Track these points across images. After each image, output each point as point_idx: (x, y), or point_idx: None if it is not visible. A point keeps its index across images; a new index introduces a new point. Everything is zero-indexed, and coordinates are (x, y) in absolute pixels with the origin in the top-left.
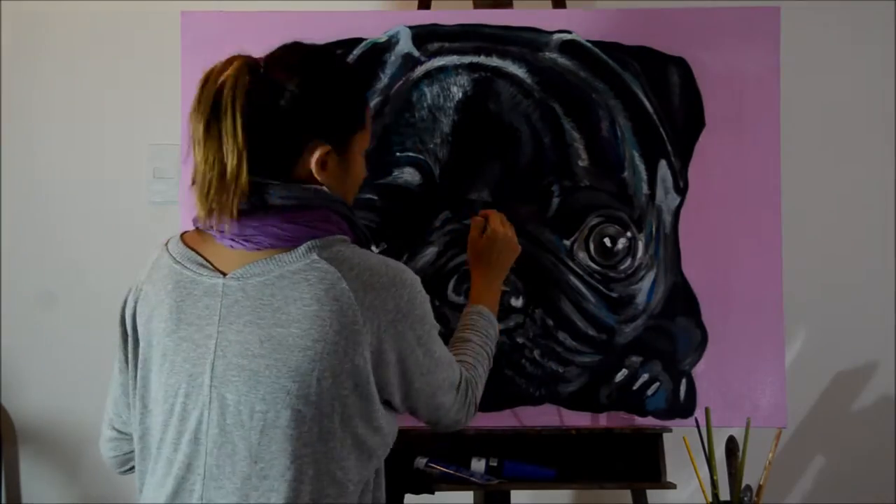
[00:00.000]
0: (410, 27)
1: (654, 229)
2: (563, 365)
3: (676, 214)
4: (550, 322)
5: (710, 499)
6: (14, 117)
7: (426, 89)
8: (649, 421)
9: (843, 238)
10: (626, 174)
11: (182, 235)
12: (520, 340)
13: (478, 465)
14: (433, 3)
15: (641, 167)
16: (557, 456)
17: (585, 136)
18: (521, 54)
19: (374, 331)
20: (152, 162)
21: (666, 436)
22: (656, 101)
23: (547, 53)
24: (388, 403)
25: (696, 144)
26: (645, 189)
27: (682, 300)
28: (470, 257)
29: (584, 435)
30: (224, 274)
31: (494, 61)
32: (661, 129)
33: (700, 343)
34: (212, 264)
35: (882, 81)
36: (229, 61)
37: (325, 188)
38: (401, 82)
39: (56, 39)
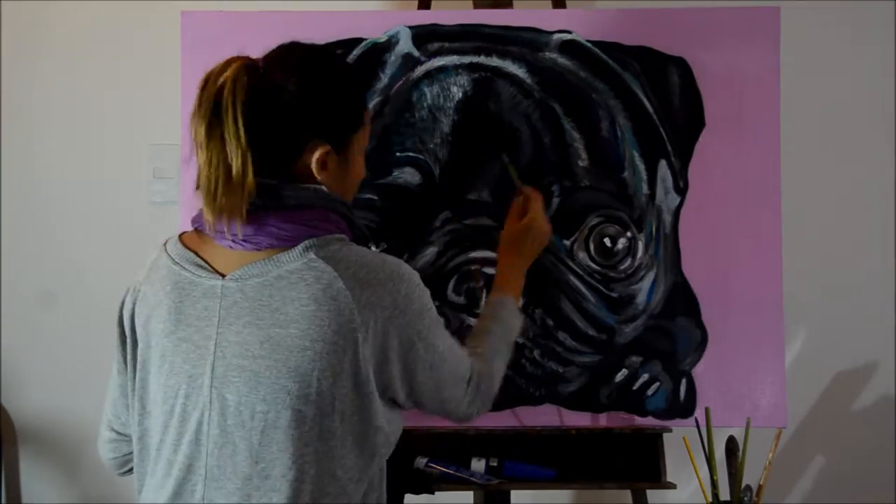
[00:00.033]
0: (410, 27)
1: (654, 229)
2: (563, 365)
3: (676, 214)
4: (550, 322)
5: (710, 499)
6: (14, 117)
7: (426, 89)
8: (649, 421)
9: (843, 238)
10: (626, 174)
11: (181, 236)
12: (520, 340)
13: (478, 465)
14: (433, 3)
15: (641, 167)
16: (557, 456)
17: (585, 136)
18: (521, 54)
19: (372, 328)
20: (152, 162)
21: (666, 436)
22: (656, 101)
23: (547, 53)
24: (393, 401)
25: (696, 144)
26: (645, 189)
27: (682, 300)
28: (503, 241)
29: (584, 435)
30: (223, 275)
31: (494, 61)
32: (661, 129)
33: (700, 343)
34: (210, 266)
35: (882, 81)
36: (228, 63)
37: (324, 188)
38: (401, 82)
39: (56, 39)
